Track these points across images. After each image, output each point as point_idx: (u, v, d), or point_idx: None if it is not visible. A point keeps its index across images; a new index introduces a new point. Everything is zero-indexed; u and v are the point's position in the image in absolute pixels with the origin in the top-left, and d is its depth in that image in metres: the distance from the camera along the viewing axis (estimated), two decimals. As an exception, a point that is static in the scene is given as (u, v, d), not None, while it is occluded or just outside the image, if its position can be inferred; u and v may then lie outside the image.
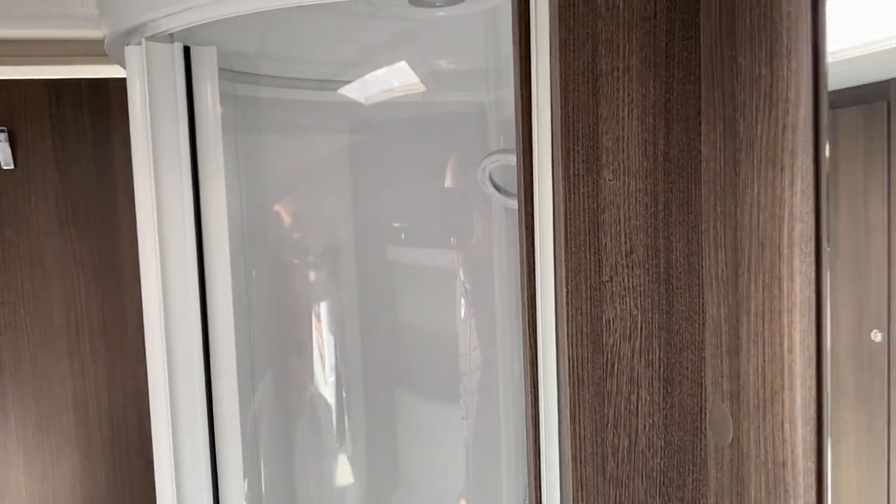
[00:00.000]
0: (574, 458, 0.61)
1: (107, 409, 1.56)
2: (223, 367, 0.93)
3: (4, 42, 1.41)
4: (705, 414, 0.63)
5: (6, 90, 1.46)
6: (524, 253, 0.64)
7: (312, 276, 1.35)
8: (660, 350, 0.62)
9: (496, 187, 1.04)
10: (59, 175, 1.51)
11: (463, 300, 1.32)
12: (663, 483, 0.64)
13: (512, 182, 0.95)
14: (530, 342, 0.66)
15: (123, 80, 0.90)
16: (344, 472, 1.43)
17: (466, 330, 1.31)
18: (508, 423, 1.30)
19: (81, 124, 1.51)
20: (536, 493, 0.68)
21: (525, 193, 0.63)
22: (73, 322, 1.53)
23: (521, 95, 0.63)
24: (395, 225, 1.36)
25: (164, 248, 0.87)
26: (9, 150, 1.45)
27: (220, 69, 0.90)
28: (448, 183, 1.29)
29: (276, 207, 1.31)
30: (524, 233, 0.64)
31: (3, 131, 1.45)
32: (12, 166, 1.46)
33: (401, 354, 1.39)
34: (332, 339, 1.36)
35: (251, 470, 1.20)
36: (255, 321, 1.22)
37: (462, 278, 1.31)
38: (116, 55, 0.95)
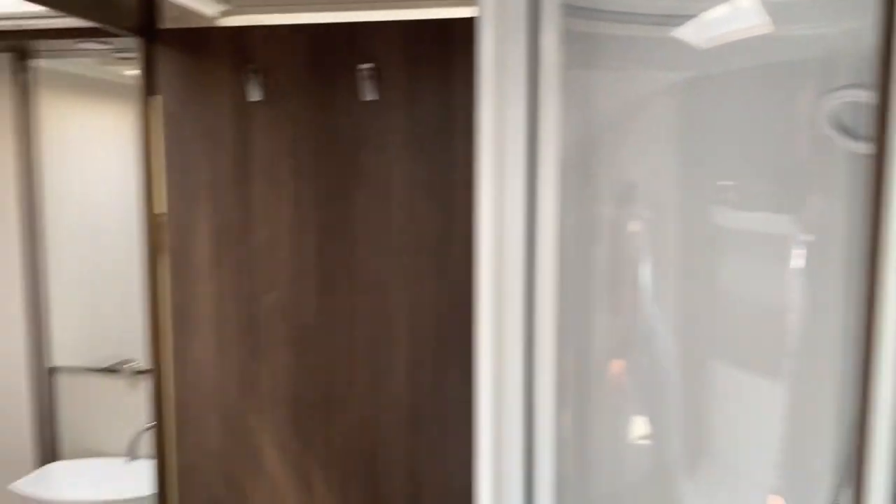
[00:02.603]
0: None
1: (434, 322, 1.77)
2: (544, 298, 1.00)
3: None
4: None
5: (372, 30, 1.68)
6: (875, 202, 0.60)
7: (629, 226, 1.36)
8: None
9: (841, 128, 0.95)
10: (410, 108, 1.70)
11: (794, 266, 1.23)
12: None
13: (860, 123, 0.87)
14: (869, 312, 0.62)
15: (467, 20, 0.99)
16: (642, 430, 1.44)
17: (795, 299, 1.23)
18: (829, 399, 1.22)
19: (429, 62, 1.68)
20: (859, 471, 0.65)
21: (881, 134, 0.59)
22: (413, 240, 1.75)
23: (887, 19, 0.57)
24: (723, 183, 1.31)
25: (500, 173, 0.95)
26: (376, 82, 1.68)
27: (562, 4, 0.95)
28: (785, 134, 1.21)
29: (596, 148, 1.34)
30: (877, 179, 0.59)
31: (371, 67, 1.68)
32: (376, 97, 1.68)
33: (718, 318, 1.35)
34: (645, 294, 1.37)
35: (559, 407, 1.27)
36: (570, 268, 1.26)
37: (794, 241, 1.22)
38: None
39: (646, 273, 1.35)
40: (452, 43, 1.66)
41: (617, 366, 1.33)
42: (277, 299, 1.84)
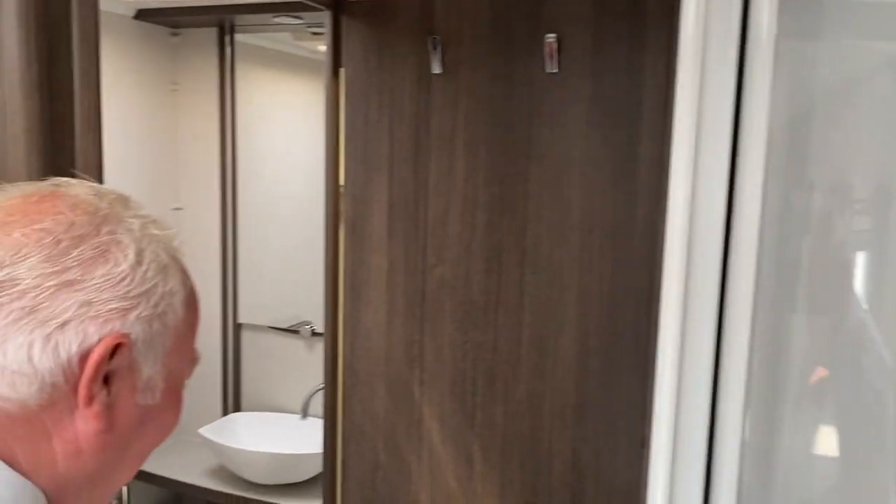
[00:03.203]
0: None
1: (606, 308, 1.68)
2: (740, 293, 0.91)
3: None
4: None
5: (559, 1, 1.61)
6: None
7: (844, 217, 1.21)
8: None
9: None
10: (593, 82, 1.62)
11: None
12: None
13: None
14: None
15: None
16: (842, 444, 1.30)
17: None
18: None
19: (619, 34, 1.58)
20: None
21: None
22: (588, 220, 1.67)
23: None
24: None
25: (696, 153, 0.87)
26: (558, 54, 1.61)
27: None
28: None
29: (810, 129, 1.20)
30: None
31: (554, 38, 1.61)
32: (556, 70, 1.61)
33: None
34: (858, 297, 1.22)
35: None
36: (771, 261, 1.15)
37: None
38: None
39: (860, 273, 1.19)
40: (643, 16, 1.56)
41: (819, 373, 1.19)
42: (445, 274, 1.84)
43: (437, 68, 1.74)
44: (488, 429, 1.85)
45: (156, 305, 0.72)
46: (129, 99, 2.47)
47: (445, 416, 1.90)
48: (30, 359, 0.65)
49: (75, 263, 0.66)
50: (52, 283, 0.66)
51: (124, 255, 0.70)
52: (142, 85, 2.50)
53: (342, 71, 1.86)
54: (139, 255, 0.71)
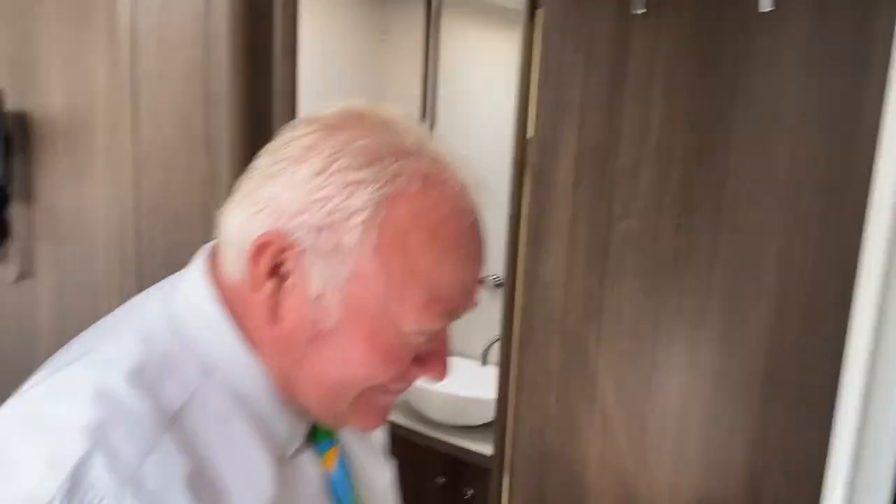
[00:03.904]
0: None
1: (809, 275, 1.52)
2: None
3: None
4: None
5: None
6: None
7: None
8: None
9: None
10: (814, 23, 1.45)
11: None
12: None
13: None
14: None
15: None
16: None
17: None
18: None
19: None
20: None
21: None
22: (796, 178, 1.51)
23: None
24: None
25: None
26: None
27: None
28: None
29: None
30: None
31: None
32: (771, 8, 1.46)
33: None
34: None
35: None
36: None
37: None
38: None
39: None
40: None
41: None
42: (632, 229, 1.76)
43: (639, 7, 1.65)
44: (665, 393, 1.76)
45: (327, 216, 0.73)
46: (342, 46, 2.60)
47: (621, 376, 1.84)
48: (237, 235, 0.74)
49: (283, 160, 0.74)
50: (264, 173, 0.74)
51: (317, 160, 0.74)
52: (355, 32, 2.62)
53: (539, 13, 1.82)
54: (328, 163, 0.74)
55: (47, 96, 1.47)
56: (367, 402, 0.81)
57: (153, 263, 1.36)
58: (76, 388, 0.71)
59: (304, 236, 0.73)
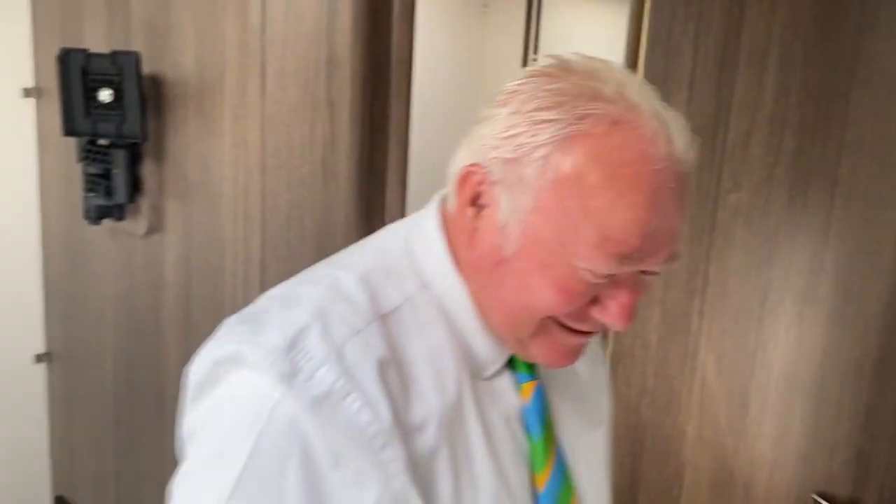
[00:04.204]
0: None
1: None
2: None
3: None
4: None
5: None
6: None
7: None
8: None
9: None
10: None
11: None
12: None
13: None
14: None
15: None
16: None
17: None
18: None
19: None
20: None
21: None
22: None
23: None
24: None
25: None
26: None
27: None
28: None
29: None
30: None
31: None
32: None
33: None
34: None
35: None
36: None
37: None
38: None
39: None
40: None
41: None
42: (741, 202, 1.74)
43: (756, -28, 1.61)
44: (769, 370, 1.73)
45: (514, 151, 0.81)
46: (442, 15, 2.64)
47: (724, 352, 1.82)
48: (453, 171, 0.87)
49: (494, 104, 0.83)
50: (479, 117, 0.85)
51: (516, 101, 0.83)
52: (455, 2, 2.66)
53: (652, -20, 1.81)
54: (523, 104, 0.84)
55: (180, 60, 1.57)
56: (549, 337, 0.88)
57: (276, 218, 1.44)
58: (321, 279, 0.89)
59: (496, 169, 0.83)
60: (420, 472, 0.83)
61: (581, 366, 1.06)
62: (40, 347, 2.52)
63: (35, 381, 2.54)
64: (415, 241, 0.94)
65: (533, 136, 0.80)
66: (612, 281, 0.82)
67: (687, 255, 1.82)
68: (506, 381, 0.95)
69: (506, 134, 0.81)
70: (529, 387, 0.96)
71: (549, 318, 0.85)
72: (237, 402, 0.81)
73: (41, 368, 2.53)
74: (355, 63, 1.40)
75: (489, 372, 0.93)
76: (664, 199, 0.78)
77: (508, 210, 0.83)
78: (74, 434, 2.41)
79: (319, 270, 0.94)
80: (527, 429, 0.95)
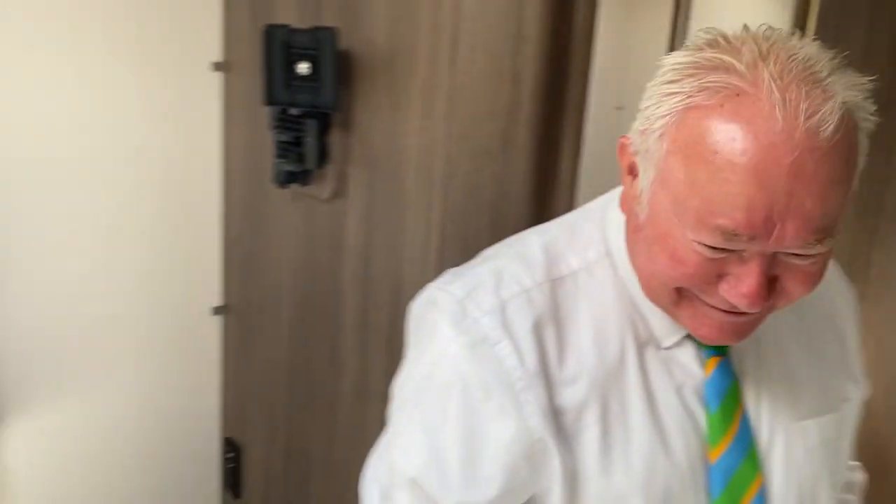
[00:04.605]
0: None
1: None
2: None
3: None
4: None
5: None
6: None
7: None
8: None
9: None
10: None
11: None
12: None
13: None
14: None
15: None
16: None
17: None
18: None
19: None
20: None
21: None
22: None
23: None
24: None
25: None
26: None
27: None
28: None
29: None
30: None
31: None
32: None
33: None
34: None
35: None
36: None
37: None
38: None
39: None
40: None
41: None
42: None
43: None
44: None
45: (644, 122, 0.87)
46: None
47: (883, 337, 1.77)
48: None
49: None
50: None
51: (657, 75, 0.87)
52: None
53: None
54: (657, 78, 0.89)
55: (371, 37, 1.69)
56: (695, 310, 0.91)
57: (456, 184, 1.53)
58: (514, 243, 1.06)
59: (636, 140, 0.89)
60: (563, 420, 0.94)
61: (804, 353, 1.08)
62: (217, 301, 2.75)
63: (211, 332, 2.78)
64: (608, 212, 1.03)
65: (658, 107, 0.84)
66: (740, 258, 0.82)
67: (848, 237, 1.77)
68: (688, 354, 0.99)
69: (642, 106, 0.87)
70: (713, 362, 0.99)
71: (687, 290, 0.88)
72: (428, 337, 0.99)
73: (217, 320, 2.77)
74: (542, 39, 1.46)
75: (667, 342, 0.99)
76: (777, 177, 0.75)
77: (642, 179, 0.88)
78: (246, 382, 2.63)
79: (524, 236, 1.07)
80: (706, 401, 0.98)
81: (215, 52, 2.49)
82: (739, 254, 0.82)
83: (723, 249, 0.82)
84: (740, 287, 0.82)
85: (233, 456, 2.84)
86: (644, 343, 0.97)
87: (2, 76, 2.15)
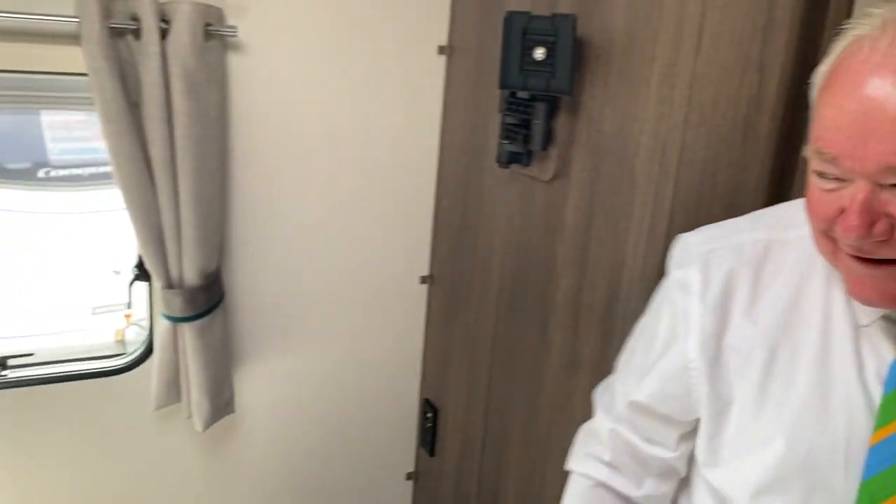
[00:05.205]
0: None
1: None
2: None
3: None
4: None
5: None
6: None
7: None
8: None
9: None
10: None
11: None
12: None
13: None
14: None
15: None
16: None
17: None
18: None
19: None
20: None
21: None
22: None
23: None
24: None
25: None
26: None
27: None
28: None
29: None
30: None
31: None
32: None
33: None
34: None
35: None
36: None
37: None
38: None
39: None
40: None
41: None
42: None
43: None
44: None
45: (813, 77, 0.98)
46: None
47: None
48: None
49: None
50: None
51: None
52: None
53: None
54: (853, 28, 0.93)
55: (607, 24, 1.73)
56: (844, 264, 0.95)
57: (690, 170, 1.55)
58: (755, 210, 1.25)
59: (814, 96, 0.97)
60: (730, 356, 1.09)
61: None
62: (424, 271, 2.94)
63: (417, 300, 2.97)
64: None
65: (824, 67, 0.94)
66: (850, 193, 0.87)
67: None
68: (882, 335, 1.00)
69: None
70: None
71: (831, 239, 0.95)
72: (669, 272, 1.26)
73: (423, 289, 2.95)
74: (793, 28, 1.44)
75: (865, 321, 1.01)
76: (868, 97, 0.82)
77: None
78: (447, 347, 2.79)
79: (773, 207, 1.25)
80: (886, 381, 0.97)
81: (442, 37, 2.64)
82: (847, 185, 0.87)
83: (827, 176, 0.89)
84: (847, 218, 0.87)
85: (431, 416, 3.02)
86: (840, 315, 1.02)
87: (291, 75, 2.44)
